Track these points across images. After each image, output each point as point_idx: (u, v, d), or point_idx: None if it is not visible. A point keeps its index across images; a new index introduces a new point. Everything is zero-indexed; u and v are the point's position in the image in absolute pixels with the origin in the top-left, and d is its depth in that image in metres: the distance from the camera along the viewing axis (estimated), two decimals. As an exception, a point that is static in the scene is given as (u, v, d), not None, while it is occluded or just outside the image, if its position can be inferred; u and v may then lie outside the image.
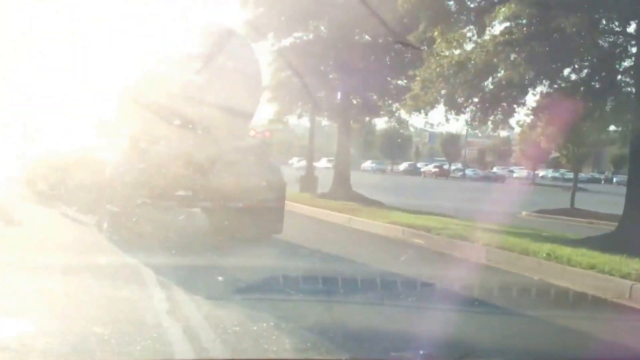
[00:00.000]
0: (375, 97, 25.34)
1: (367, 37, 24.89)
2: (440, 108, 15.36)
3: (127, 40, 12.92)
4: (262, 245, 11.53)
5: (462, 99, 14.03)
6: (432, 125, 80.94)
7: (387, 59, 24.59)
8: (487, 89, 14.07)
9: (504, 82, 13.54)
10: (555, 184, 66.57)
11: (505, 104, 14.80)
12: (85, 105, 13.37)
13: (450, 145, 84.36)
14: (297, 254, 11.26)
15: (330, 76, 25.20)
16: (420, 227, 14.97)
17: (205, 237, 12.05)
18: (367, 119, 26.92)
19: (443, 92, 13.92)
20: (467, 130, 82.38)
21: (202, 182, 10.82)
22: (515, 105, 15.15)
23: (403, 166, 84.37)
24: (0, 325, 5.55)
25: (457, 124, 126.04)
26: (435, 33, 14.52)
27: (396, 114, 25.42)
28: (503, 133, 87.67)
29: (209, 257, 9.72)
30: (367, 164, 77.91)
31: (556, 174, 78.36)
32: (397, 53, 24.44)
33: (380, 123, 72.90)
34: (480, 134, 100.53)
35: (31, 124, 15.63)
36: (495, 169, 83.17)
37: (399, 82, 24.50)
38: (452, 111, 14.78)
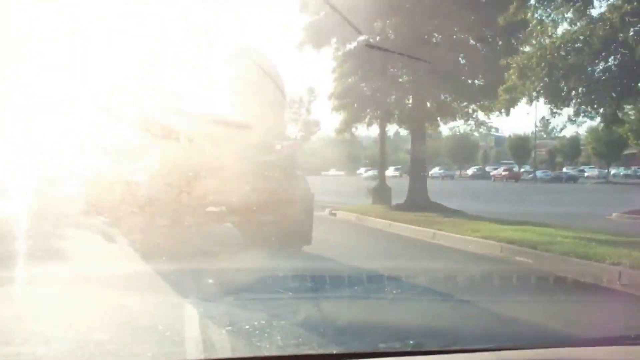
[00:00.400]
0: (449, 98, 22.56)
1: (437, 35, 22.21)
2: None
3: (157, 57, 12.46)
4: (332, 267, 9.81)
5: (567, 88, 11.24)
6: (497, 129, 78.21)
7: (461, 58, 21.89)
8: (596, 75, 11.27)
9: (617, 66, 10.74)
10: (629, 182, 62.60)
11: (614, 94, 12.02)
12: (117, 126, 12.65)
13: (519, 147, 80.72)
14: (379, 283, 8.72)
15: (400, 80, 22.56)
16: (521, 241, 12.31)
17: (239, 251, 11.24)
18: (442, 122, 23.96)
19: (545, 80, 11.17)
20: (535, 131, 79.06)
21: (230, 197, 10.63)
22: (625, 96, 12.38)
23: (471, 171, 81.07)
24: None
25: (525, 126, 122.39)
26: (529, 14, 11.87)
27: (473, 116, 22.61)
28: (569, 133, 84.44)
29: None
30: (435, 170, 74.43)
31: (628, 172, 74.10)
32: (472, 51, 21.79)
33: (445, 129, 70.50)
34: (544, 135, 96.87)
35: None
36: (565, 169, 79.13)
37: (476, 81, 21.75)
38: (554, 104, 12.02)
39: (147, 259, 9.53)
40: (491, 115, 22.21)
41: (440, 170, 75.21)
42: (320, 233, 16.98)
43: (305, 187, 12.09)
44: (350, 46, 22.52)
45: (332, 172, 76.47)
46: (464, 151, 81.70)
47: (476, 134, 75.25)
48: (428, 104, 22.37)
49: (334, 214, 22.21)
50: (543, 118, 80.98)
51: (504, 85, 12.83)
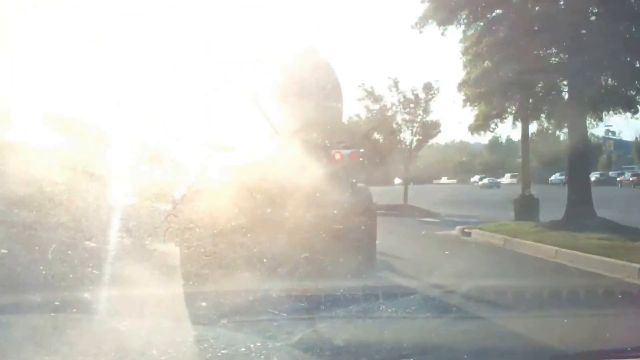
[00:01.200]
0: (616, 83, 16.50)
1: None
2: None
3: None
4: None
5: None
6: (613, 132, 71.18)
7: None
8: None
9: None
10: None
11: None
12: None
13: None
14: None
15: (551, 60, 16.78)
16: None
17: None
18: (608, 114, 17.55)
19: None
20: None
21: (285, 214, 9.03)
22: None
23: (593, 176, 72.56)
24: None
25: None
26: None
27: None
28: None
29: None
30: (556, 176, 66.24)
31: None
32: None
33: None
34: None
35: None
36: (694, 172, 69.79)
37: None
38: None
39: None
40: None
41: (561, 176, 66.79)
42: (461, 267, 11.53)
43: (366, 199, 10.73)
44: (485, 21, 16.90)
45: (444, 180, 70.59)
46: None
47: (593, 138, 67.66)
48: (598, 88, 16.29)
49: (468, 234, 16.69)
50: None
51: None
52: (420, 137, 27.39)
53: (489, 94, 16.29)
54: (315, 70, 10.44)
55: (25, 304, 6.47)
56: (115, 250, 8.70)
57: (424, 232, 18.15)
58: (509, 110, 17.18)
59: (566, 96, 16.54)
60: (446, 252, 13.39)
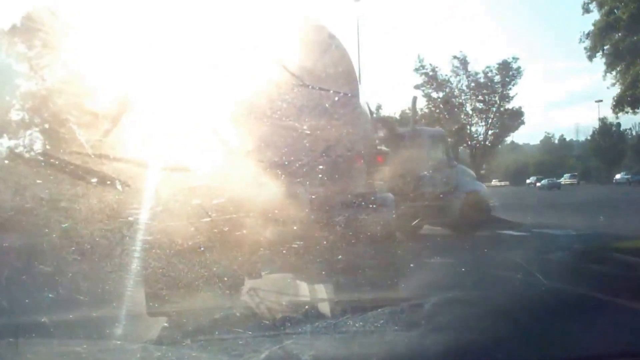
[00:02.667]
0: None
1: None
2: None
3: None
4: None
5: None
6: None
7: None
8: None
9: None
10: None
11: None
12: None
13: None
14: None
15: None
16: None
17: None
18: None
19: None
20: None
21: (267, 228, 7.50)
22: None
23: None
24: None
25: None
26: None
27: None
28: None
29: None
30: (622, 176, 58.20)
31: None
32: None
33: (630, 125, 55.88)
34: None
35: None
36: None
37: None
38: None
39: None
40: None
41: (626, 176, 58.25)
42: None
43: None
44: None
45: (494, 182, 63.67)
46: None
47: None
48: None
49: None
50: None
51: None
52: (497, 131, 20.69)
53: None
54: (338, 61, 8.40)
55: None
56: (71, 274, 7.61)
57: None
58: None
59: None
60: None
